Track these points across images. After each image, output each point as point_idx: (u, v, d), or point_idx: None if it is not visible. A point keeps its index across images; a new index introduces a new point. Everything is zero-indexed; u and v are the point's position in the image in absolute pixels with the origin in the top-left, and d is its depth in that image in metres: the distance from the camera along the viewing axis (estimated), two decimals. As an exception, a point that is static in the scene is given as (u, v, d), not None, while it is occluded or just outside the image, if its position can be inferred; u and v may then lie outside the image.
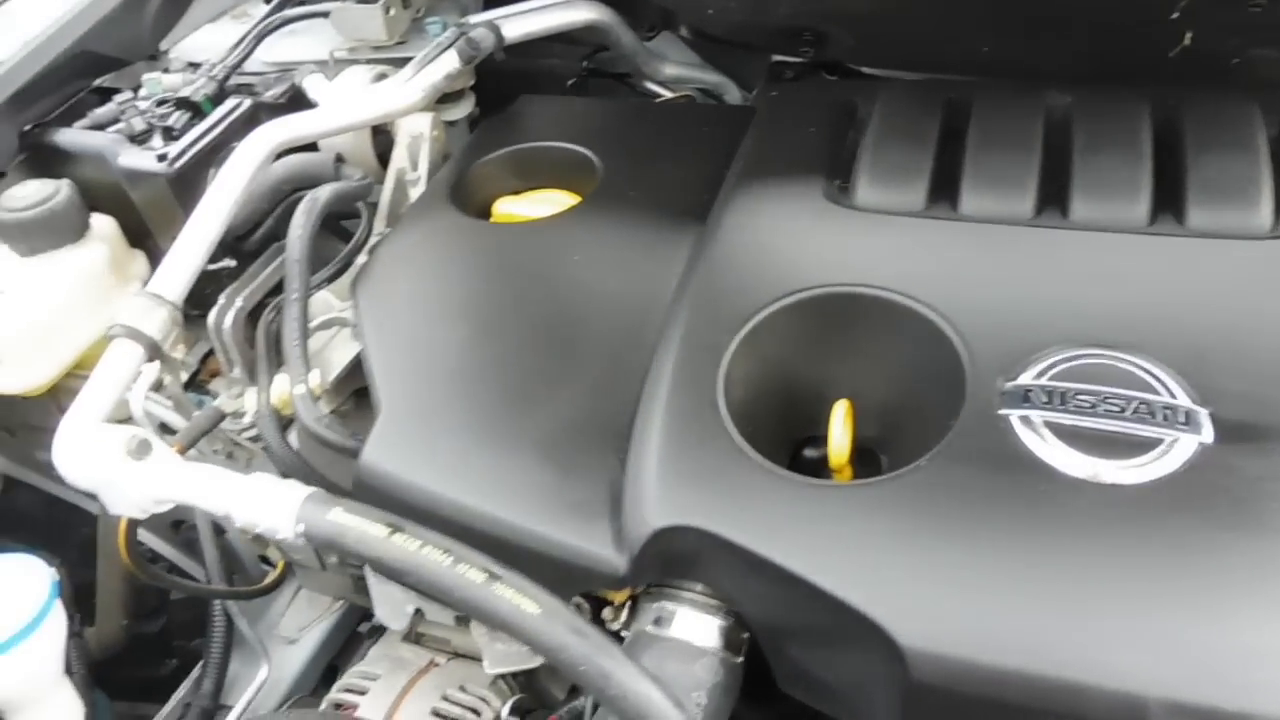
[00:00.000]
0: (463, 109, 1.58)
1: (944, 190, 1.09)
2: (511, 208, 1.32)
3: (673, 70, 1.70)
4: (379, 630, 1.40)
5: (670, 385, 0.96)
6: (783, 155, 1.19)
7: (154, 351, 1.10)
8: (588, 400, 1.02)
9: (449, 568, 0.79)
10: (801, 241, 1.07)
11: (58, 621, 1.00)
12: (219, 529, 1.47)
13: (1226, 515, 0.79)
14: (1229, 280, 0.94)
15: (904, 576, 0.81)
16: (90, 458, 0.95)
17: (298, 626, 1.50)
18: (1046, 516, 0.81)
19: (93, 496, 0.98)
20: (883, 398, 0.98)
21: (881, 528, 0.83)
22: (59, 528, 1.61)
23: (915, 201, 1.08)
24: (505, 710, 1.22)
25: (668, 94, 1.71)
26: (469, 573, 0.79)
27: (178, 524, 1.56)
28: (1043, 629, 0.77)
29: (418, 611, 1.19)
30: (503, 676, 1.26)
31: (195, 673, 1.43)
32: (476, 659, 1.30)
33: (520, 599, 0.78)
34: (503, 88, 1.56)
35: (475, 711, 1.19)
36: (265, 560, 1.51)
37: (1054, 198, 1.05)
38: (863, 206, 1.09)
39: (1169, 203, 1.02)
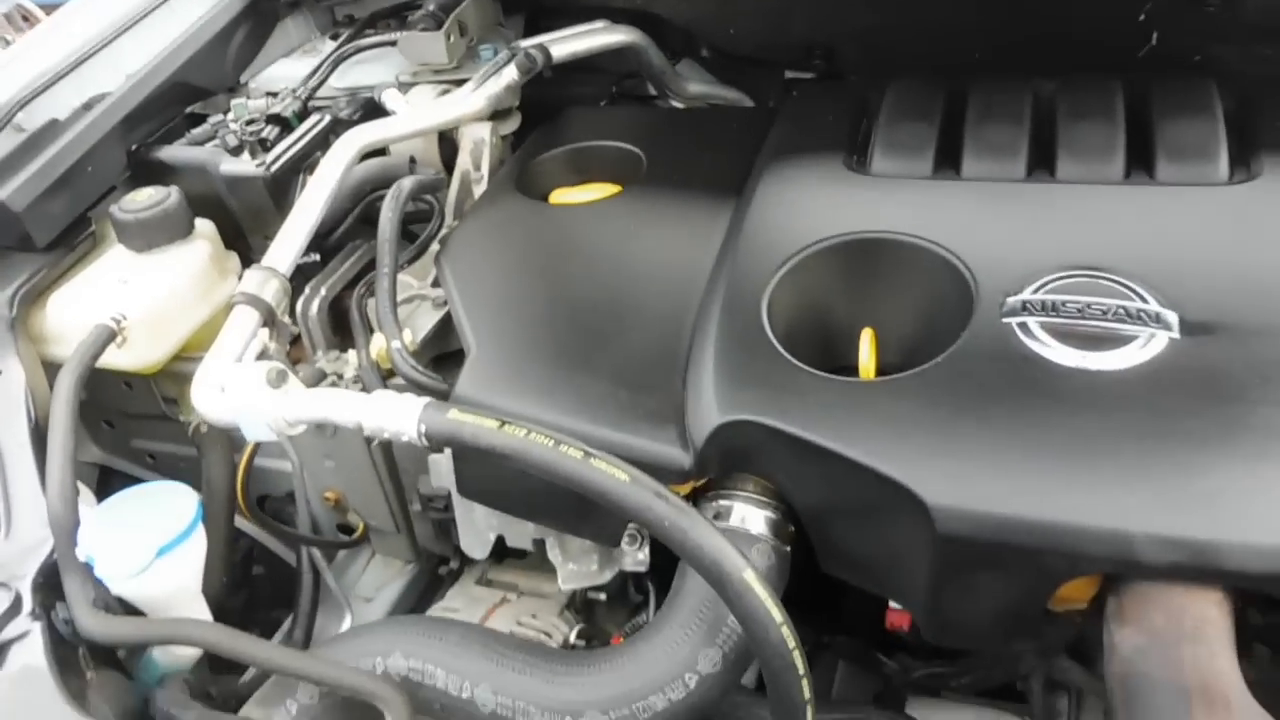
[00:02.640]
0: (512, 124, 1.77)
1: (948, 159, 1.27)
2: (567, 198, 1.50)
3: (696, 88, 1.89)
4: (454, 576, 1.55)
5: (721, 313, 1.14)
6: (807, 138, 1.38)
7: (269, 316, 1.27)
8: (650, 337, 1.19)
9: (552, 448, 0.96)
10: (827, 202, 1.25)
11: (200, 541, 1.15)
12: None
13: (1192, 389, 0.96)
14: (1192, 217, 1.12)
15: (928, 449, 0.97)
16: (231, 389, 1.12)
17: (374, 586, 1.64)
18: (1043, 396, 0.98)
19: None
20: (902, 325, 1.15)
21: (907, 411, 1.00)
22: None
23: (923, 169, 1.26)
24: (573, 635, 1.37)
25: (691, 110, 1.91)
26: (569, 451, 0.96)
27: (262, 500, 1.72)
28: (1045, 483, 0.93)
29: (499, 541, 1.34)
30: (568, 608, 1.42)
31: (285, 625, 1.57)
32: (542, 597, 1.46)
33: (613, 470, 0.95)
34: (543, 110, 1.76)
35: (547, 634, 1.34)
36: (344, 529, 1.67)
37: (1042, 162, 1.24)
38: (878, 174, 1.28)
39: (1141, 161, 1.20)
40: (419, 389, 1.25)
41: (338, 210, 1.57)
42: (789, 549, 1.10)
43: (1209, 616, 0.89)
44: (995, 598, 0.96)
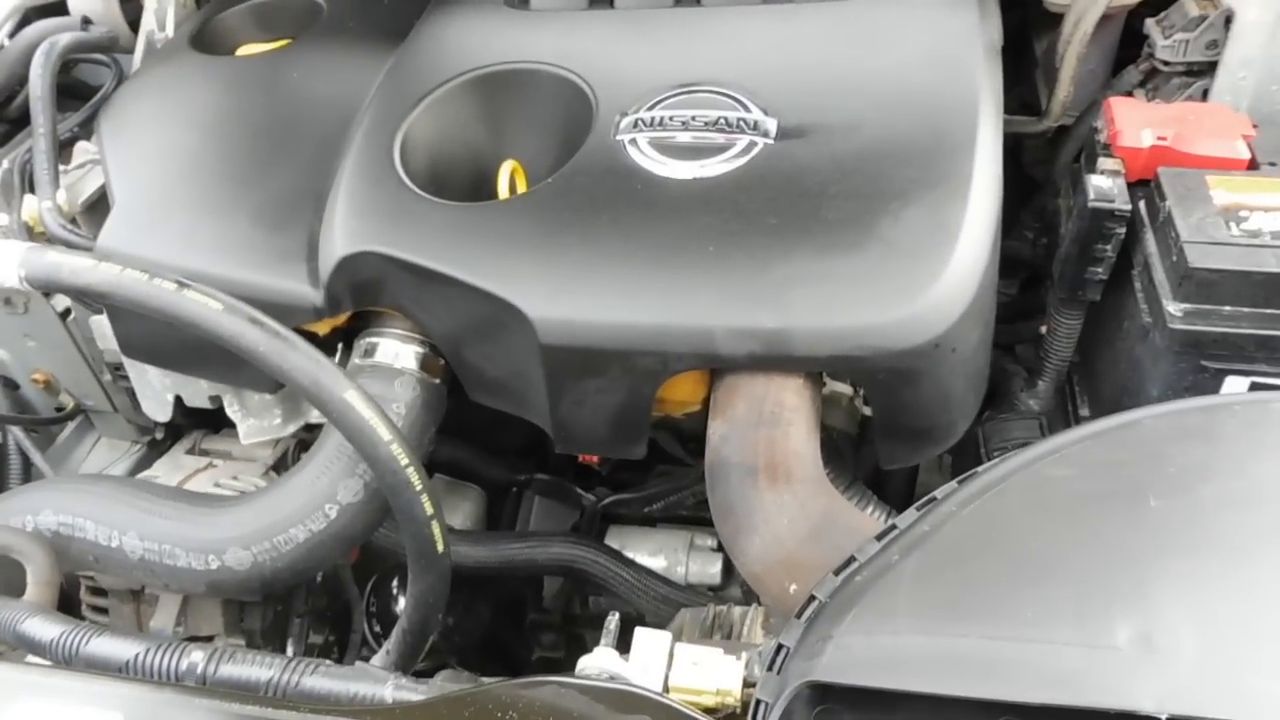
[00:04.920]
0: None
1: (604, -9, 1.27)
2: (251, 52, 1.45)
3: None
4: (162, 446, 1.53)
5: (357, 149, 1.13)
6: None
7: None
8: (295, 179, 1.17)
9: (146, 282, 0.94)
10: (477, 38, 1.23)
11: None
12: (12, 384, 1.58)
13: (778, 189, 0.99)
14: (810, 30, 1.14)
15: (532, 264, 0.99)
16: None
17: (98, 468, 1.61)
18: (641, 207, 1.00)
19: None
20: (541, 154, 1.15)
21: (517, 230, 1.01)
22: None
23: (580, 1, 1.26)
24: (276, 493, 1.37)
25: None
26: (162, 284, 0.94)
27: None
28: (635, 288, 0.96)
29: (178, 400, 1.32)
30: (272, 469, 1.41)
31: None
32: (252, 461, 1.45)
33: (205, 299, 0.93)
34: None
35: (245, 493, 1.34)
36: (60, 410, 1.63)
37: (692, -11, 1.24)
38: (537, 9, 1.27)
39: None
40: (70, 247, 1.21)
41: (13, 77, 1.49)
42: (439, 381, 1.11)
43: (786, 402, 0.94)
44: (605, 402, 0.99)
